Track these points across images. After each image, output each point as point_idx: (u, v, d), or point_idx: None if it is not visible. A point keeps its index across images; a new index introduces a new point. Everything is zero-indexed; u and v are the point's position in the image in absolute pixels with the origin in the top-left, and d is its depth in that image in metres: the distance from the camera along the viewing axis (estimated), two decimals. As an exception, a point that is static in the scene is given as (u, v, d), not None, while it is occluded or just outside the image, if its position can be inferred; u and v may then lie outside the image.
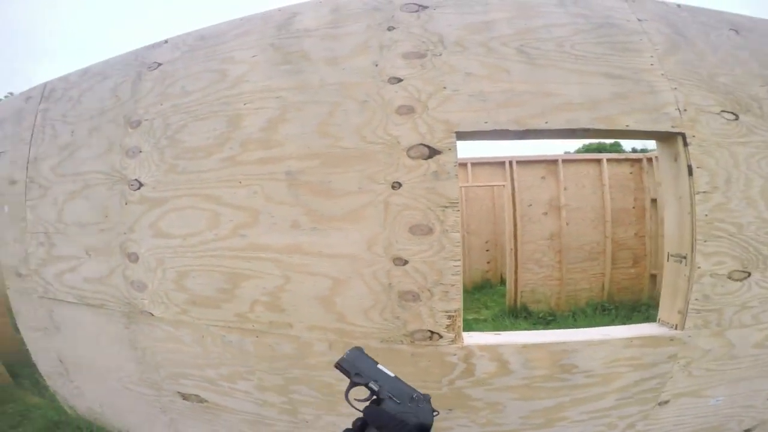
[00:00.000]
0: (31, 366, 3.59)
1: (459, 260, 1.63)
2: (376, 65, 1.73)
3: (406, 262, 1.64)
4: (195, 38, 2.12)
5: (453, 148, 1.63)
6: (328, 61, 1.80)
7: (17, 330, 4.22)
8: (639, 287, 6.26)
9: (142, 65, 2.19)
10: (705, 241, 1.63)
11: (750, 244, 1.68)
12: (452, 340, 1.65)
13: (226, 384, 1.99)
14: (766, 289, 1.72)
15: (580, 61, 1.70)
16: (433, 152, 1.63)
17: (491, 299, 7.21)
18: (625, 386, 1.74)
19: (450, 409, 1.73)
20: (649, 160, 6.20)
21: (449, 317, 1.64)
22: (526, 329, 5.36)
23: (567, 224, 6.06)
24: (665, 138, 1.73)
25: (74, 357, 2.55)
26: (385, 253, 1.66)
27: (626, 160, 6.40)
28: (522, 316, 5.96)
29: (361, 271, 1.68)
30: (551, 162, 6.17)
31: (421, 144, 1.64)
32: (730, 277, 1.68)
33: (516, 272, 6.07)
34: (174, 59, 2.11)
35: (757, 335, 1.77)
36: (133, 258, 2.05)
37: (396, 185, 1.65)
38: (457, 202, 1.62)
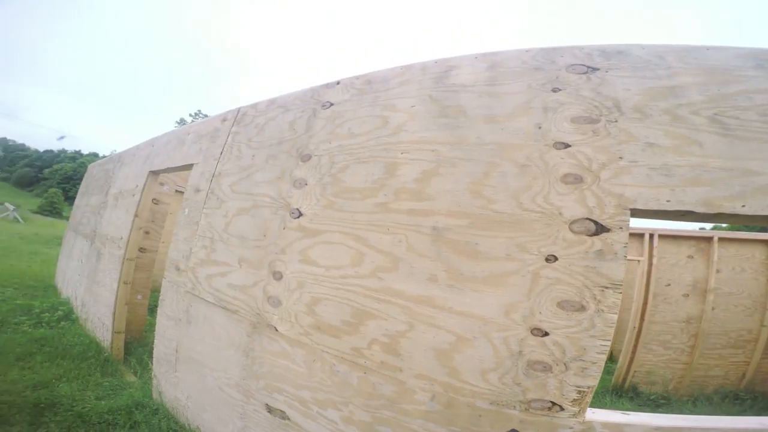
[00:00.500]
0: (143, 347, 4.03)
1: (609, 340, 1.44)
2: (540, 128, 1.66)
3: (546, 334, 1.50)
4: (363, 82, 2.29)
5: (625, 227, 1.46)
6: (486, 119, 1.78)
7: (150, 313, 4.87)
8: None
9: (317, 103, 2.42)
10: None
11: None
12: (574, 414, 1.45)
13: (316, 408, 1.99)
14: None
15: None
16: (600, 229, 1.49)
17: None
18: None
19: None
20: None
21: (579, 392, 1.45)
22: (629, 409, 4.62)
23: (712, 309, 5.17)
24: None
25: (191, 350, 2.81)
26: (523, 322, 1.54)
27: (803, 241, 5.20)
28: (628, 396, 5.19)
29: (490, 334, 1.59)
30: (704, 239, 5.35)
31: (588, 218, 1.51)
32: None
33: (634, 352, 5.33)
34: (344, 101, 2.29)
35: None
36: (278, 276, 2.24)
37: (551, 258, 1.53)
38: (621, 285, 1.44)
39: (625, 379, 5.40)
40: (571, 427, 1.46)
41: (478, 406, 1.57)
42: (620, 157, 1.52)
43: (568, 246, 1.51)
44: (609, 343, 1.44)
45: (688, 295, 5.28)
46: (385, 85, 2.17)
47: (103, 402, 2.90)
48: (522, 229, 1.59)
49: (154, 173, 4.16)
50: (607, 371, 6.08)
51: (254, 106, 2.94)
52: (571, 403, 1.46)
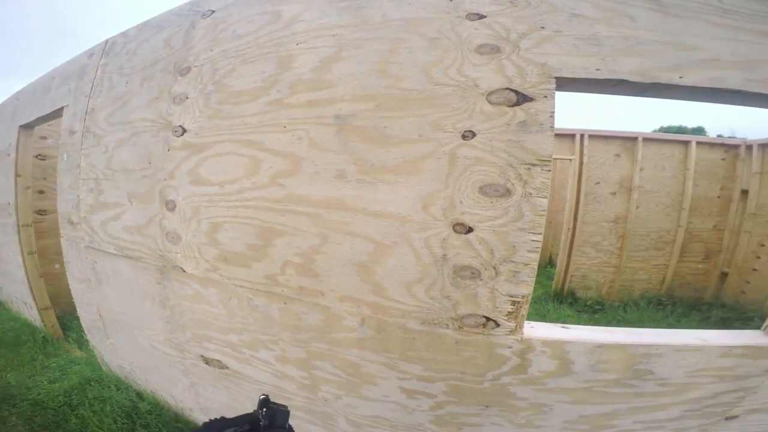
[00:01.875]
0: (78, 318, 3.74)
1: (540, 233, 1.27)
2: (451, 0, 1.37)
3: (469, 230, 1.31)
4: None
5: (550, 96, 1.24)
6: None
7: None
8: (705, 284, 5.57)
9: (196, 14, 1.97)
10: None
11: None
12: (511, 331, 1.35)
13: (248, 351, 1.82)
14: None
15: (730, 16, 1.26)
16: (522, 99, 1.25)
17: (537, 280, 6.71)
18: (699, 398, 1.45)
19: (486, 406, 1.48)
20: (749, 147, 5.29)
21: (514, 303, 1.32)
22: (569, 316, 5.03)
23: (636, 207, 5.40)
24: None
25: (112, 312, 2.50)
26: (443, 216, 1.34)
27: (721, 145, 5.45)
28: (567, 301, 5.52)
29: (409, 236, 1.38)
30: (630, 139, 5.39)
31: (507, 88, 1.26)
32: None
33: (570, 255, 5.56)
34: (227, 5, 1.86)
35: None
36: (171, 206, 1.89)
37: (468, 134, 1.29)
38: (549, 161, 1.24)
39: (563, 285, 5.66)
40: (509, 347, 1.36)
41: (409, 327, 1.43)
42: (542, 27, 1.28)
43: (486, 119, 1.27)
44: (540, 238, 1.27)
45: (615, 193, 5.46)
46: None
47: (56, 385, 2.73)
48: (434, 105, 1.33)
49: (26, 127, 3.53)
50: (548, 277, 6.47)
51: (124, 33, 2.41)
52: (506, 317, 1.33)
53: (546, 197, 1.25)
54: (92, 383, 2.65)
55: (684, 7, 1.27)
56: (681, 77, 1.23)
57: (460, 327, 1.38)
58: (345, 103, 1.45)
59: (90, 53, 2.65)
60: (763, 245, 5.09)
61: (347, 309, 1.52)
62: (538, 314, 5.00)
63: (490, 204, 1.29)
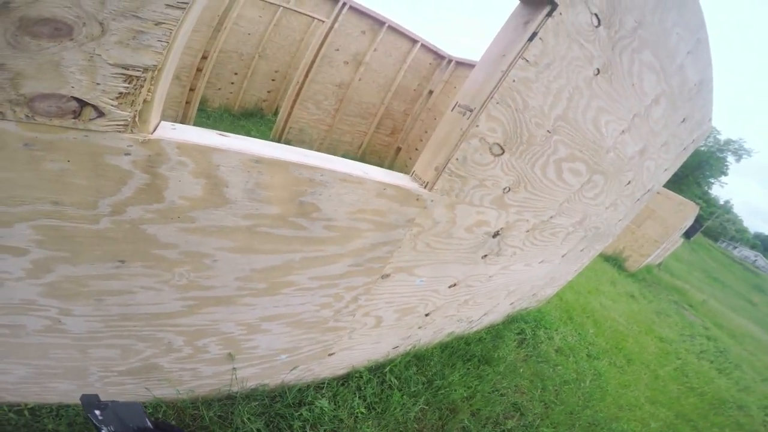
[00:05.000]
0: None
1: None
2: None
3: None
4: None
5: None
6: None
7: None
8: (386, 155, 7.00)
9: None
10: (497, 103, 1.40)
11: (522, 124, 1.56)
12: (126, 124, 0.87)
13: None
14: (503, 173, 1.67)
15: None
16: None
17: (257, 128, 6.49)
18: (361, 248, 1.46)
19: (122, 261, 1.05)
20: (450, 62, 6.47)
21: (130, 80, 0.83)
22: None
23: (359, 80, 5.92)
24: (535, 2, 1.33)
25: None
26: None
27: (434, 53, 6.45)
28: None
29: None
30: (379, 22, 5.69)
31: None
32: (491, 150, 1.54)
33: (292, 107, 5.60)
34: None
35: (473, 218, 1.75)
36: None
37: None
38: None
39: (281, 135, 5.70)
40: (127, 153, 0.89)
41: None
42: None
43: None
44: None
45: (348, 63, 5.76)
46: None
47: None
48: None
49: None
50: (269, 126, 6.37)
51: None
52: (115, 102, 0.83)
53: None
54: None
55: None
56: None
57: (29, 115, 0.78)
58: None
59: None
60: (426, 132, 6.61)
61: None
62: None
63: None
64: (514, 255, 2.35)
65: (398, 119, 6.75)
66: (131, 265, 1.08)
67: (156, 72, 0.86)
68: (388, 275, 1.67)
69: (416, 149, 6.72)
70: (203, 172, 1.01)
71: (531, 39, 1.36)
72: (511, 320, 3.49)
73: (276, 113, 7.00)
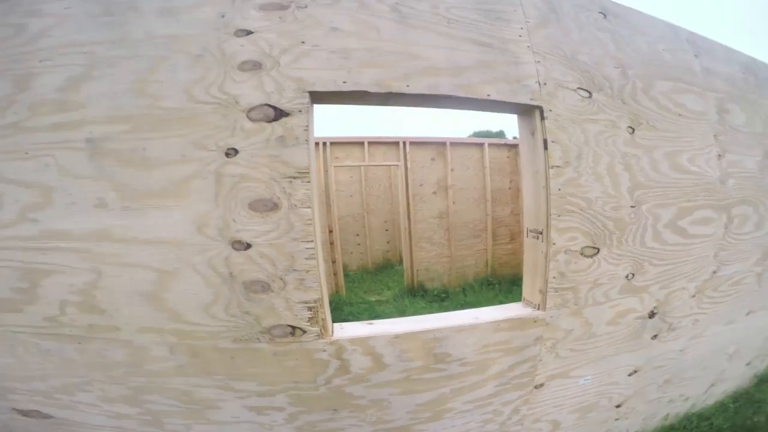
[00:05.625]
0: None
1: (313, 241, 1.37)
2: (223, 16, 1.38)
3: (248, 246, 1.35)
4: None
5: (305, 110, 1.35)
6: (162, 12, 1.39)
7: None
8: (516, 261, 6.72)
9: None
10: (559, 216, 1.61)
11: (598, 219, 1.70)
12: (318, 335, 1.43)
13: (65, 397, 1.54)
14: (613, 265, 1.77)
15: (452, 25, 1.55)
16: (280, 114, 1.34)
17: (392, 279, 7.17)
18: (500, 372, 1.70)
19: (335, 410, 1.56)
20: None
21: (310, 308, 1.41)
22: (423, 307, 5.43)
23: (453, 203, 6.30)
24: (525, 111, 1.66)
25: None
26: (220, 236, 1.34)
27: (505, 145, 6.80)
28: (419, 294, 6.00)
29: (191, 260, 1.35)
30: (440, 144, 6.29)
31: (266, 104, 1.33)
32: (582, 254, 1.68)
33: (411, 251, 6.13)
34: None
35: (609, 312, 1.82)
36: None
37: (231, 152, 1.32)
38: (308, 173, 1.36)
39: (413, 279, 6.17)
40: (324, 350, 1.44)
41: (223, 347, 1.40)
42: (302, 42, 1.39)
43: (247, 136, 1.33)
44: (314, 245, 1.38)
45: (436, 193, 6.27)
46: None
47: None
48: (195, 123, 1.32)
49: None
50: (401, 274, 6.99)
51: None
52: (308, 323, 1.41)
53: (310, 207, 1.37)
54: None
55: (419, 18, 1.51)
56: (408, 86, 1.46)
57: (271, 339, 1.40)
58: (97, 125, 1.32)
59: None
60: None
61: (150, 339, 1.40)
62: (398, 311, 5.31)
63: (261, 219, 1.34)
64: (697, 322, 2.19)
65: (511, 223, 6.78)
66: (341, 412, 1.59)
67: (321, 300, 1.41)
68: (541, 384, 1.81)
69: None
70: (367, 351, 1.51)
71: (545, 147, 1.56)
72: (762, 380, 2.94)
73: (401, 260, 7.69)
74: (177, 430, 1.57)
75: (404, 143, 6.08)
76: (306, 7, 1.42)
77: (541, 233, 1.66)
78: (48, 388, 1.55)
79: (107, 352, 1.43)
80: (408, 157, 6.05)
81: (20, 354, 1.48)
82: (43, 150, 1.33)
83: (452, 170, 6.28)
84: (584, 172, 1.66)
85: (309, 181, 1.35)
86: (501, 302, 5.22)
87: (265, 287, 1.37)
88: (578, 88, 1.69)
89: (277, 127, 1.33)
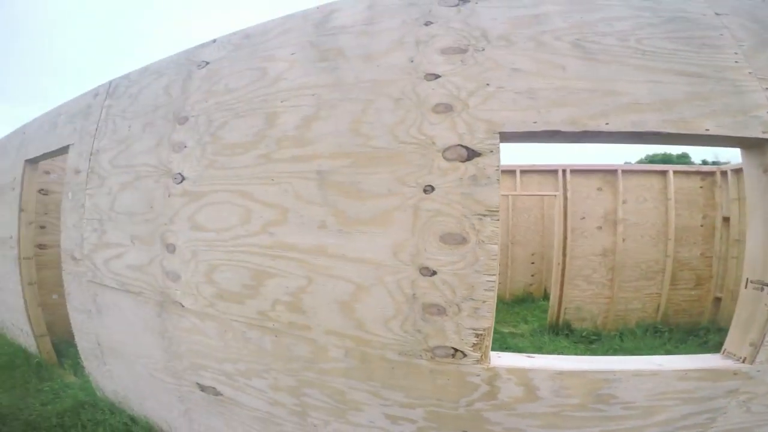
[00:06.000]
0: (75, 346, 3.91)
1: (494, 275, 1.44)
2: (412, 61, 1.61)
3: (434, 273, 1.49)
4: (240, 37, 2.11)
5: (495, 150, 1.45)
6: (363, 58, 1.70)
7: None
8: (699, 310, 5.62)
9: (192, 64, 2.23)
10: None
11: None
12: (477, 360, 1.49)
13: (242, 380, 1.95)
14: None
15: (648, 56, 1.46)
16: (472, 154, 1.46)
17: (531, 314, 6.75)
18: (669, 420, 1.51)
19: (464, 431, 1.59)
20: (723, 173, 5.48)
21: (477, 335, 1.48)
22: (566, 347, 5.02)
23: (623, 240, 5.51)
24: (754, 145, 1.43)
25: (110, 341, 2.65)
26: (411, 262, 1.52)
27: (697, 173, 5.68)
28: (563, 333, 5.54)
29: (384, 279, 1.56)
30: (609, 172, 5.59)
31: (459, 145, 1.48)
32: None
33: (562, 288, 5.64)
34: (220, 58, 2.12)
35: None
36: (171, 249, 2.08)
37: (428, 189, 1.50)
38: (497, 211, 1.44)
39: (558, 317, 5.70)
40: (478, 375, 1.50)
41: (389, 357, 1.58)
42: (487, 84, 1.51)
43: (443, 174, 1.48)
44: (495, 278, 1.45)
45: (601, 228, 5.58)
46: (264, 37, 2.02)
47: (48, 407, 2.81)
48: (399, 162, 1.54)
49: (31, 162, 3.74)
50: (543, 310, 6.52)
51: (126, 76, 2.69)
52: (471, 348, 1.49)
53: (496, 244, 1.44)
54: (86, 407, 2.74)
55: (607, 52, 1.48)
56: (607, 123, 1.42)
57: (432, 357, 1.52)
58: (324, 159, 1.67)
59: (95, 93, 2.90)
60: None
61: (332, 342, 1.68)
62: (534, 346, 5.01)
63: (449, 250, 1.48)
64: None
65: (699, 266, 5.62)
66: None
67: (489, 329, 1.48)
68: None
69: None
70: (521, 382, 1.50)
71: None
72: None
73: (545, 296, 7.13)
74: (316, 423, 1.80)
75: (564, 171, 5.66)
76: (483, 50, 1.54)
77: (767, 285, 1.38)
78: (234, 370, 1.96)
79: (294, 347, 1.76)
80: (568, 186, 5.58)
81: (228, 338, 1.93)
82: (285, 178, 1.74)
83: (624, 202, 5.51)
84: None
85: (498, 219, 1.44)
86: (669, 352, 4.56)
87: (441, 311, 1.49)
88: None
89: (470, 167, 1.46)
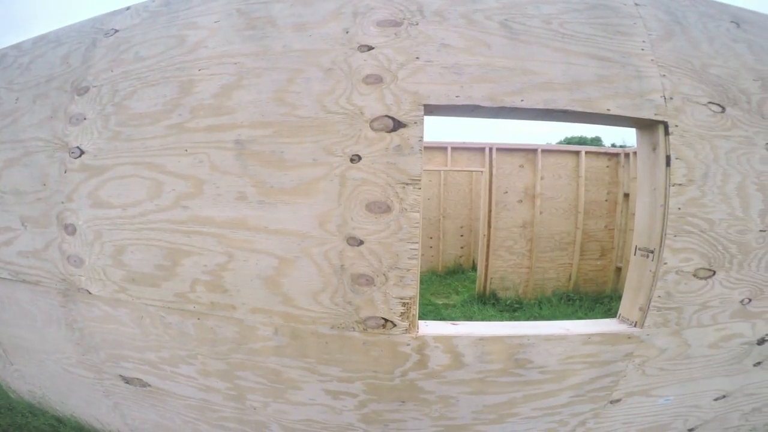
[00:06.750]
0: None
1: (417, 243, 1.49)
2: (347, 32, 1.56)
3: (361, 243, 1.50)
4: (159, 4, 1.89)
5: (419, 122, 1.47)
6: (296, 27, 1.61)
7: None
8: (604, 279, 6.32)
9: (99, 32, 1.96)
10: (675, 236, 1.54)
11: (719, 241, 1.60)
12: (406, 329, 1.54)
13: (168, 368, 1.84)
14: (728, 289, 1.66)
15: (566, 40, 1.56)
16: (397, 125, 1.47)
17: (462, 284, 7.16)
18: (579, 384, 1.69)
19: (402, 402, 1.65)
20: (627, 155, 6.16)
21: (404, 304, 1.52)
22: (492, 315, 5.36)
23: (540, 213, 6.02)
24: (646, 126, 1.60)
25: (12, 338, 2.33)
26: (338, 232, 1.51)
27: (605, 153, 6.34)
28: (490, 302, 5.92)
29: (310, 251, 1.54)
30: (531, 151, 6.04)
31: (386, 116, 1.48)
32: (695, 275, 1.60)
33: (487, 259, 6.03)
34: (132, 25, 1.89)
35: (713, 335, 1.73)
36: (71, 230, 1.84)
37: (355, 158, 1.49)
38: (419, 180, 1.48)
39: (485, 287, 6.09)
40: (408, 344, 1.55)
41: (321, 332, 1.57)
42: (417, 57, 1.51)
43: (369, 144, 1.48)
44: (417, 246, 1.50)
45: (521, 201, 6.04)
46: (186, 4, 1.82)
47: None
48: (326, 131, 1.51)
49: None
50: (473, 281, 6.94)
51: (17, 46, 2.30)
52: (400, 318, 1.53)
53: (418, 212, 1.48)
54: (2, 410, 2.44)
55: (530, 33, 1.56)
56: (522, 100, 1.51)
57: (364, 329, 1.55)
58: (244, 128, 1.57)
59: (-25, 66, 2.44)
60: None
61: (260, 320, 1.62)
62: (465, 316, 5.29)
63: (375, 219, 1.49)
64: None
65: (603, 238, 6.31)
66: (407, 404, 1.68)
67: (414, 298, 1.52)
68: (618, 400, 1.77)
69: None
70: (448, 350, 1.58)
71: (668, 163, 1.49)
72: None
73: (474, 267, 7.59)
74: (255, 406, 1.78)
75: (490, 149, 5.99)
76: (417, 24, 1.55)
77: (652, 252, 1.59)
78: (157, 358, 1.85)
79: (219, 329, 1.68)
80: (494, 163, 5.93)
81: (146, 325, 1.80)
82: (199, 148, 1.62)
83: (542, 178, 6.00)
84: (709, 191, 1.55)
85: (419, 188, 1.47)
86: (579, 318, 5.02)
87: (369, 281, 1.51)
88: (709, 102, 1.58)
89: (395, 137, 1.47)
